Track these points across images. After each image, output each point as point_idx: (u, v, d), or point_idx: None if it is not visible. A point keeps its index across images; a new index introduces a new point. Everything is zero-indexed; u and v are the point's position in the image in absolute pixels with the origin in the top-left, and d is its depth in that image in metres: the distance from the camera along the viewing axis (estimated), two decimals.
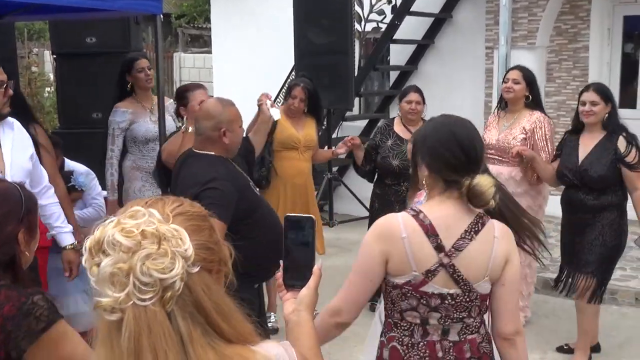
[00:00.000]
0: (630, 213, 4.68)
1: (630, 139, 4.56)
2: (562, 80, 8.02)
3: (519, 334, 2.39)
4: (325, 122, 8.15)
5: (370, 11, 8.35)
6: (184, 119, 4.14)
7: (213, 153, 3.37)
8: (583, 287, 4.65)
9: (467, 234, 2.29)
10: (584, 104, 4.62)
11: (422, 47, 8.78)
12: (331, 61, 6.83)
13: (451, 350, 2.33)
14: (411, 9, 8.13)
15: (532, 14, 7.76)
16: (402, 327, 2.35)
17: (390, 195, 5.36)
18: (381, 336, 2.43)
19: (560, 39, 7.97)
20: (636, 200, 4.55)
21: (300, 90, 5.30)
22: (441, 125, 2.39)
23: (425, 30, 8.70)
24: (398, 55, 9.01)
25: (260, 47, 9.66)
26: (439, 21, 8.62)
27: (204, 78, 16.54)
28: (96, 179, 5.12)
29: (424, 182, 2.36)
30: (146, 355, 1.16)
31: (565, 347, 5.02)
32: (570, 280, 4.80)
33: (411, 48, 8.83)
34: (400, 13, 8.15)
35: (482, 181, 2.24)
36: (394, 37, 8.29)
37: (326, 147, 6.43)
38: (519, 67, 5.17)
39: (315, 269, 1.72)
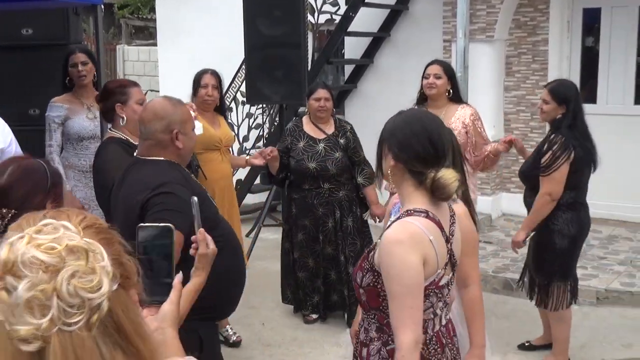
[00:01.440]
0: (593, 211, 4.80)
1: (557, 140, 4.52)
2: (521, 75, 8.14)
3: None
4: (277, 118, 8.15)
5: (324, 2, 8.36)
6: (124, 119, 3.80)
7: (163, 158, 3.02)
8: (542, 293, 4.73)
9: (452, 218, 2.51)
10: (540, 99, 4.82)
11: (377, 40, 8.84)
12: (283, 54, 6.81)
13: (446, 334, 2.53)
14: (366, 0, 8.17)
15: (491, 5, 7.86)
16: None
17: (310, 199, 5.32)
18: (386, 345, 2.42)
19: (519, 31, 8.10)
20: (535, 203, 4.61)
21: (210, 76, 5.13)
22: (412, 118, 2.50)
23: (381, 23, 8.76)
24: (353, 48, 9.05)
25: (208, 39, 9.60)
26: (395, 13, 8.68)
27: (149, 71, 16.38)
28: None
29: (388, 172, 2.45)
30: None
31: (526, 344, 5.14)
32: (529, 284, 4.91)
33: (366, 41, 8.88)
34: (355, 4, 8.19)
35: (447, 174, 2.35)
36: (348, 30, 8.33)
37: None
38: (438, 61, 5.21)
39: (176, 282, 1.70)
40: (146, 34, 20.33)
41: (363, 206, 5.48)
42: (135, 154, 3.14)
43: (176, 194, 2.83)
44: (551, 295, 4.68)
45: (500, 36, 7.98)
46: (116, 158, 3.57)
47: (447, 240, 2.42)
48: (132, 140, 3.69)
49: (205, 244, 2.20)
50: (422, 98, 5.19)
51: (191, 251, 2.25)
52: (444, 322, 2.53)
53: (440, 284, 2.41)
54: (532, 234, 4.78)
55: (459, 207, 2.70)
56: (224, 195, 5.12)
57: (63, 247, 1.07)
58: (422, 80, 5.14)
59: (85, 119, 4.99)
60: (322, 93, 5.36)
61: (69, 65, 5.17)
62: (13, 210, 2.21)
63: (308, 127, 5.41)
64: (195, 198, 2.21)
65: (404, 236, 2.32)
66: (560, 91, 4.66)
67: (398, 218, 2.41)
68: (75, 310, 1.06)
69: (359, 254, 5.22)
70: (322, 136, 5.37)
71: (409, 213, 2.38)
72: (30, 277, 1.05)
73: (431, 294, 2.39)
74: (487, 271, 6.39)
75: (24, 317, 1.04)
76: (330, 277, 5.47)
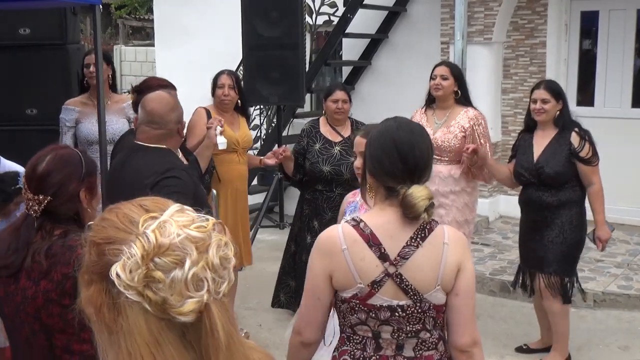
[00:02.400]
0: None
1: (583, 134, 4.70)
2: (519, 77, 8.16)
3: (476, 345, 2.36)
4: (274, 119, 8.16)
5: (322, 3, 8.38)
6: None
7: (164, 147, 3.30)
8: (545, 287, 4.75)
9: (413, 240, 2.27)
10: (535, 102, 4.77)
11: (375, 42, 8.84)
12: (281, 55, 6.83)
13: None
14: (364, 2, 8.18)
15: (489, 8, 7.88)
16: (355, 341, 2.35)
17: (321, 201, 5.28)
18: (334, 351, 2.45)
19: (517, 34, 8.11)
20: (592, 195, 4.71)
21: (227, 77, 5.13)
22: (385, 130, 2.37)
23: (379, 24, 8.76)
24: (351, 49, 9.05)
25: (206, 39, 9.60)
26: (393, 15, 8.68)
27: (146, 72, 16.36)
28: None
29: (368, 185, 2.40)
30: (233, 343, 1.21)
31: (524, 347, 5.15)
32: (530, 281, 4.92)
33: (364, 42, 8.88)
34: (353, 6, 8.19)
35: (415, 192, 2.22)
36: (346, 31, 8.33)
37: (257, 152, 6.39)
38: (445, 63, 5.25)
39: None
40: (143, 34, 20.34)
41: None
42: (136, 140, 3.35)
43: (182, 178, 3.15)
44: (570, 289, 4.80)
45: (498, 38, 8.00)
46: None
47: (384, 258, 2.24)
48: None
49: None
50: (431, 99, 5.21)
51: None
52: (408, 353, 2.32)
53: (370, 302, 2.26)
54: (551, 233, 4.77)
55: (455, 238, 2.36)
56: (237, 196, 5.15)
57: (210, 225, 1.21)
58: (429, 81, 5.15)
59: (93, 124, 4.97)
60: (339, 95, 5.29)
61: (84, 66, 5.19)
62: (49, 197, 2.34)
63: (325, 128, 5.34)
64: (215, 191, 2.40)
65: (320, 239, 2.36)
66: (555, 88, 4.80)
67: None
68: (222, 280, 1.20)
69: None
70: (338, 139, 5.29)
71: (347, 220, 2.38)
72: (189, 256, 1.16)
73: (357, 308, 2.28)
74: (484, 273, 6.40)
75: (184, 293, 1.16)
76: None
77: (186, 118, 3.77)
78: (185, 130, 4.05)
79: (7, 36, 6.22)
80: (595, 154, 4.68)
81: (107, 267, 1.17)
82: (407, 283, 2.25)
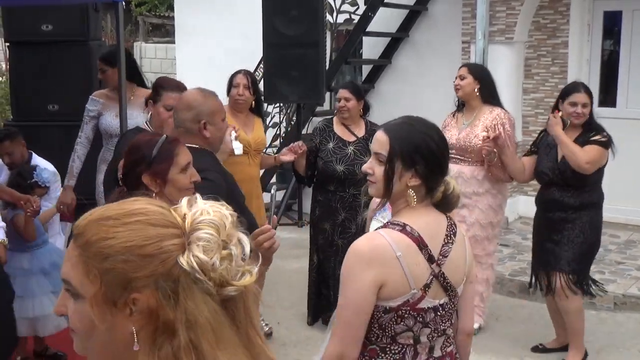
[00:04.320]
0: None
1: (606, 138, 4.71)
2: (540, 77, 8.11)
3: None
4: (294, 117, 8.17)
5: (343, 2, 8.38)
6: (148, 114, 4.00)
7: (197, 145, 3.20)
8: (561, 285, 4.76)
9: (449, 238, 2.29)
10: (574, 105, 4.70)
11: (396, 41, 8.82)
12: (301, 53, 6.83)
13: None
14: (385, 1, 8.16)
15: (511, 7, 7.84)
16: (393, 351, 2.27)
17: (334, 202, 5.22)
18: None
19: (539, 34, 8.06)
20: (581, 150, 4.67)
21: (242, 77, 5.08)
22: (432, 130, 2.29)
23: (400, 23, 8.74)
24: (371, 48, 9.04)
25: (227, 37, 9.63)
26: (414, 13, 8.66)
27: (166, 69, 16.43)
28: (59, 181, 5.17)
29: (409, 192, 2.24)
30: (256, 314, 1.27)
31: (540, 347, 5.15)
32: (546, 279, 4.91)
33: (385, 41, 8.87)
34: (374, 4, 8.18)
35: (455, 185, 2.26)
36: (367, 30, 8.32)
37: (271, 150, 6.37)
38: (466, 64, 5.26)
39: None
40: (163, 31, 20.41)
41: None
42: None
43: (214, 181, 3.04)
44: (584, 286, 4.81)
45: (519, 38, 7.95)
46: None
47: (431, 260, 2.22)
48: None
49: (270, 236, 2.31)
50: (461, 102, 5.23)
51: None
52: (437, 353, 2.31)
53: (420, 306, 2.21)
54: (571, 232, 4.78)
55: (463, 230, 2.46)
56: (249, 197, 5.09)
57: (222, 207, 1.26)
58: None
59: (114, 117, 5.01)
60: (342, 93, 5.24)
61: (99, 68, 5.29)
62: (120, 176, 2.57)
63: (338, 128, 5.30)
64: (275, 188, 2.39)
65: (365, 248, 2.20)
66: (590, 91, 4.81)
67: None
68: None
69: None
70: (352, 139, 5.25)
71: (385, 225, 2.26)
72: (237, 233, 1.24)
73: (406, 315, 2.21)
74: (503, 274, 6.37)
75: (243, 265, 1.23)
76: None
77: None
78: None
79: (30, 32, 6.28)
80: (610, 142, 4.69)
81: (163, 265, 1.17)
82: (447, 281, 2.26)
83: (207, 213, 1.22)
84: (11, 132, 5.29)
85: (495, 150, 4.88)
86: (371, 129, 5.33)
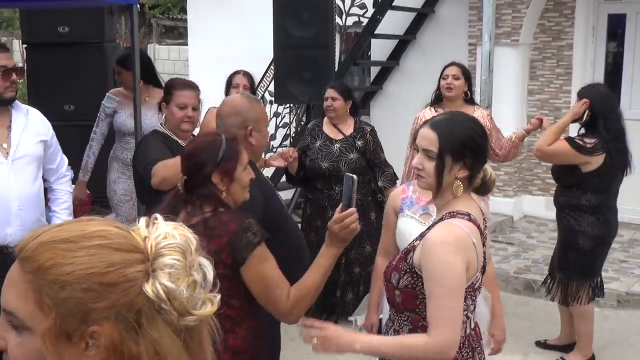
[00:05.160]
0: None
1: (594, 140, 4.56)
2: (545, 79, 8.08)
3: None
4: (304, 117, 8.16)
5: (352, 5, 8.36)
6: (163, 116, 3.98)
7: None
8: (561, 290, 4.76)
9: (485, 222, 2.46)
10: (445, 77, 5.02)
11: (403, 43, 8.81)
12: (311, 55, 6.82)
13: (474, 338, 2.47)
14: (393, 4, 8.15)
15: (516, 10, 7.81)
16: None
17: (323, 200, 5.21)
18: None
19: (544, 36, 8.04)
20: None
21: (242, 77, 5.17)
22: (473, 124, 2.43)
23: (407, 25, 8.72)
24: (379, 50, 9.03)
25: (238, 39, 9.63)
26: (422, 16, 8.65)
27: (179, 70, 16.46)
28: (70, 175, 5.17)
29: (457, 183, 2.34)
30: (209, 345, 1.17)
31: (542, 342, 5.15)
32: (552, 282, 4.90)
33: (393, 43, 8.85)
34: (382, 7, 8.16)
35: (492, 171, 2.41)
36: (375, 32, 8.31)
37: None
38: (456, 63, 5.13)
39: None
40: (176, 33, 20.45)
41: (379, 209, 5.19)
42: None
43: (254, 197, 2.84)
44: (570, 292, 4.71)
45: (525, 40, 7.93)
46: (152, 148, 3.73)
47: (484, 244, 2.39)
48: (171, 135, 3.87)
49: (350, 221, 2.41)
50: (438, 99, 5.14)
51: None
52: (472, 325, 2.46)
53: (476, 286, 2.37)
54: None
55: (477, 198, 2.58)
56: None
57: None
58: (439, 81, 5.09)
59: (128, 116, 5.03)
60: (329, 92, 5.25)
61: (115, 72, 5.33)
62: (185, 177, 2.56)
63: (327, 127, 5.31)
64: (354, 176, 2.43)
65: (450, 238, 2.26)
66: (585, 93, 4.75)
67: (441, 219, 2.34)
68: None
69: (368, 257, 5.16)
70: (340, 137, 5.26)
71: (452, 215, 2.31)
72: (200, 255, 1.14)
73: (467, 296, 2.33)
74: (508, 272, 6.35)
75: (204, 294, 1.12)
76: (340, 278, 5.30)
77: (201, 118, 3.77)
78: (198, 131, 4.04)
79: (47, 34, 6.31)
80: (584, 146, 4.57)
81: (126, 294, 1.04)
82: (485, 259, 2.42)
83: (172, 237, 1.09)
84: None
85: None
86: (360, 127, 5.33)
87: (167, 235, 1.09)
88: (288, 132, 8.98)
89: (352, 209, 2.40)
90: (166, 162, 3.56)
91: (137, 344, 1.04)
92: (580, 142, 4.54)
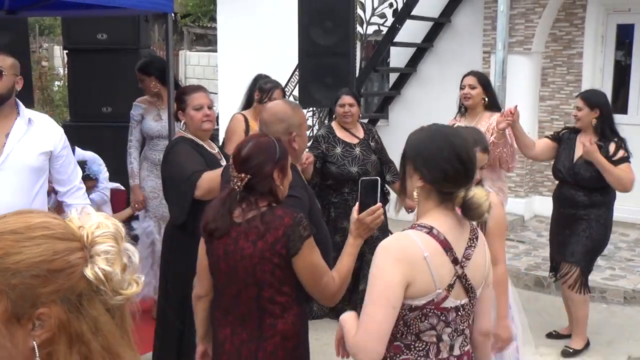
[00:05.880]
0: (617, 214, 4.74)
1: (620, 143, 4.69)
2: (556, 85, 8.02)
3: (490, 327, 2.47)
4: (326, 121, 8.15)
5: (372, 14, 8.33)
6: (182, 123, 3.93)
7: None
8: (567, 274, 4.79)
9: (471, 241, 2.23)
10: (574, 108, 4.87)
11: (421, 50, 8.77)
12: (333, 62, 6.81)
13: None
14: (412, 13, 8.12)
15: (529, 20, 7.76)
16: (417, 349, 2.20)
17: (351, 202, 5.08)
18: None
19: (555, 45, 7.97)
20: (620, 172, 4.62)
21: (280, 92, 5.14)
22: (438, 135, 2.21)
23: (425, 34, 8.69)
24: (398, 57, 9.00)
25: (265, 46, 9.65)
26: (438, 25, 8.61)
27: (208, 75, 16.53)
28: (104, 165, 5.23)
29: (414, 193, 2.21)
30: (130, 322, 1.21)
31: (554, 333, 5.17)
32: (557, 269, 4.95)
33: (411, 51, 8.82)
34: (401, 17, 8.14)
35: (478, 193, 2.14)
36: (394, 40, 8.29)
37: None
38: (473, 72, 5.07)
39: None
40: (205, 41, 20.51)
41: (385, 201, 5.17)
42: None
43: (300, 198, 2.88)
44: (580, 277, 4.78)
45: (537, 49, 7.87)
46: (186, 156, 3.71)
47: (456, 262, 2.15)
48: (197, 141, 3.84)
49: (379, 214, 2.49)
50: (463, 107, 5.10)
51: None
52: (456, 352, 2.23)
53: (444, 305, 2.14)
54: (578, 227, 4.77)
55: (494, 196, 2.49)
56: None
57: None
58: (459, 90, 5.05)
59: (152, 121, 5.11)
60: (346, 99, 5.19)
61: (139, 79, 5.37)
62: (249, 176, 2.60)
63: (340, 132, 5.23)
64: (378, 178, 2.52)
65: (393, 247, 2.13)
66: (590, 97, 4.79)
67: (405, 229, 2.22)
68: None
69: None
70: (356, 141, 5.21)
71: (412, 226, 2.18)
72: (127, 246, 1.18)
73: (430, 314, 2.14)
74: (519, 269, 6.32)
75: (131, 275, 1.17)
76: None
77: (224, 124, 3.70)
78: (223, 137, 3.99)
79: (87, 41, 6.35)
80: (626, 158, 4.66)
81: (69, 279, 1.09)
82: (469, 282, 2.19)
83: (105, 226, 1.14)
84: (62, 125, 5.40)
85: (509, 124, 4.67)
86: (368, 130, 5.33)
87: (100, 224, 1.15)
88: (311, 134, 8.97)
89: (379, 204, 2.48)
90: (210, 175, 3.56)
91: (79, 322, 1.10)
92: (622, 154, 4.63)
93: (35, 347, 1.08)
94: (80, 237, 1.13)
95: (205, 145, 3.87)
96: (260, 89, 5.17)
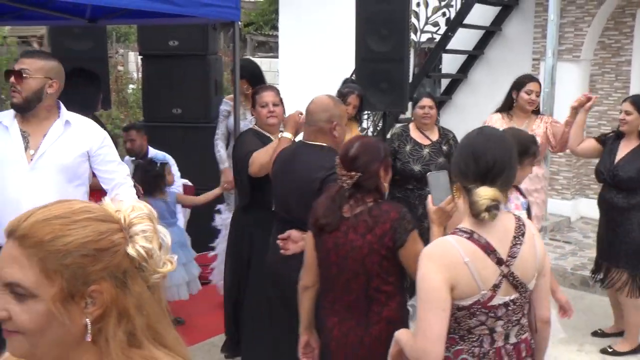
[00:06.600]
0: None
1: None
2: (604, 92, 7.81)
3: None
4: (380, 123, 8.12)
5: (426, 23, 8.27)
6: (252, 118, 4.13)
7: (325, 144, 3.30)
8: (614, 279, 4.66)
9: (516, 239, 2.20)
10: (620, 112, 4.70)
11: (472, 57, 8.67)
12: (388, 68, 6.75)
13: (512, 353, 2.26)
14: (464, 22, 8.03)
15: (578, 29, 7.58)
16: (471, 339, 2.22)
17: (413, 199, 5.10)
18: (446, 351, 2.20)
19: (604, 52, 7.77)
20: None
21: (355, 98, 5.17)
22: (467, 135, 2.30)
23: (476, 42, 8.58)
24: (449, 64, 8.91)
25: (323, 53, 9.66)
26: (489, 33, 8.49)
27: (270, 80, 16.60)
28: (174, 163, 5.26)
29: (454, 188, 2.31)
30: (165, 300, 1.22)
31: (599, 332, 5.03)
32: (604, 273, 4.80)
33: (462, 58, 8.72)
34: (454, 25, 8.05)
35: (480, 191, 2.13)
36: (446, 47, 8.20)
37: None
38: (537, 80, 4.95)
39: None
40: (267, 47, 20.67)
41: None
42: (302, 138, 3.45)
43: None
44: (634, 283, 4.61)
45: (586, 56, 7.68)
46: (247, 142, 4.01)
47: (500, 262, 2.14)
48: (262, 131, 4.10)
49: (455, 202, 2.45)
50: (507, 107, 4.99)
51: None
52: (512, 340, 2.25)
53: (491, 304, 2.15)
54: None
55: (535, 228, 2.37)
56: None
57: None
58: (516, 91, 4.92)
59: (239, 118, 5.11)
60: (426, 101, 5.21)
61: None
62: (359, 174, 2.67)
63: (414, 133, 5.25)
64: (447, 171, 2.54)
65: (435, 254, 2.15)
66: (639, 102, 4.63)
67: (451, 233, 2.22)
68: None
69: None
70: (427, 142, 5.19)
71: (454, 232, 2.19)
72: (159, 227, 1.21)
73: (478, 312, 2.15)
74: (565, 269, 6.18)
75: (164, 255, 1.19)
76: None
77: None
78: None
79: (159, 47, 6.46)
80: None
81: (114, 257, 1.12)
82: (517, 279, 2.18)
83: (139, 208, 1.17)
84: (137, 125, 5.58)
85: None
86: (444, 134, 5.27)
87: (134, 207, 1.17)
88: (366, 136, 8.96)
89: (451, 196, 2.49)
90: (260, 152, 3.83)
91: (125, 298, 1.12)
92: None
93: (88, 323, 1.11)
94: (118, 219, 1.15)
95: (270, 136, 4.06)
96: (339, 93, 5.24)
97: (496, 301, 2.15)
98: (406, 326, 2.75)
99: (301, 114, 3.83)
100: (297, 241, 3.17)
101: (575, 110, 4.65)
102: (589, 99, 4.59)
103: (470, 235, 2.14)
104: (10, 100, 3.18)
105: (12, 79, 3.07)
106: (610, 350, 4.76)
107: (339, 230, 2.67)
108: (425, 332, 2.11)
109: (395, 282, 2.70)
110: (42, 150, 3.15)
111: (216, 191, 5.11)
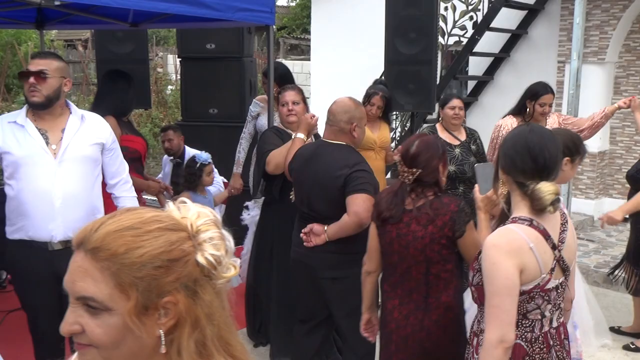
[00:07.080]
0: None
1: None
2: (628, 94, 7.65)
3: None
4: (407, 124, 8.09)
5: (453, 26, 8.21)
6: (276, 117, 4.15)
7: (345, 143, 3.36)
8: (634, 281, 4.59)
9: (563, 226, 2.29)
10: (543, 105, 4.76)
11: (498, 60, 8.58)
12: (416, 70, 6.72)
13: (555, 336, 2.31)
14: (490, 25, 7.96)
15: (603, 32, 7.46)
16: (524, 325, 2.24)
17: None
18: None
19: (628, 55, 7.63)
20: None
21: (379, 99, 5.15)
22: (518, 132, 2.30)
23: (502, 44, 8.49)
24: (476, 66, 8.83)
25: (354, 56, 9.65)
26: (516, 36, 8.40)
27: (301, 82, 16.66)
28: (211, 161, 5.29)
29: (501, 181, 2.30)
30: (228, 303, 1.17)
31: (616, 328, 4.93)
32: (623, 273, 4.75)
33: (488, 60, 8.64)
34: (481, 29, 7.98)
35: (543, 187, 2.16)
36: (473, 50, 8.13)
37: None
38: (551, 91, 4.88)
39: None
40: (299, 50, 20.72)
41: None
42: (323, 137, 3.52)
43: (369, 172, 3.27)
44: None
45: (610, 59, 7.55)
46: (268, 139, 4.07)
47: (554, 247, 2.20)
48: (284, 129, 4.16)
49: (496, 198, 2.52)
50: (519, 111, 4.94)
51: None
52: (554, 324, 2.30)
53: (547, 287, 2.20)
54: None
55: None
56: None
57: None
58: (529, 101, 4.84)
59: (266, 119, 5.10)
60: (456, 102, 5.16)
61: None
62: (420, 170, 2.77)
63: (443, 134, 5.16)
64: (490, 163, 2.60)
65: (502, 242, 2.14)
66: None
67: (504, 224, 2.25)
68: None
69: None
70: (457, 142, 5.13)
71: (514, 220, 2.20)
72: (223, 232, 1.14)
73: (536, 296, 2.19)
74: (589, 266, 6.09)
75: (229, 260, 1.12)
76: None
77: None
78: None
79: (197, 50, 6.52)
80: None
81: (186, 266, 1.06)
82: (565, 263, 2.25)
83: (204, 215, 1.10)
84: (174, 125, 5.57)
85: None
86: (470, 133, 5.23)
87: (200, 214, 1.10)
88: (394, 136, 8.92)
89: (492, 191, 2.52)
90: (275, 152, 3.89)
91: (196, 307, 1.06)
92: None
93: (162, 335, 1.05)
94: (185, 227, 1.08)
95: (292, 135, 4.04)
96: (366, 93, 5.25)
97: (551, 284, 2.21)
98: (462, 311, 2.84)
99: (313, 116, 3.92)
100: (318, 234, 3.30)
101: (618, 108, 4.89)
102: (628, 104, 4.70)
103: (530, 223, 2.19)
104: (17, 100, 3.24)
105: (32, 79, 3.14)
106: (632, 346, 4.68)
107: (402, 221, 2.77)
108: (502, 318, 2.10)
109: (453, 269, 2.79)
110: (65, 144, 3.21)
111: (224, 194, 5.16)
